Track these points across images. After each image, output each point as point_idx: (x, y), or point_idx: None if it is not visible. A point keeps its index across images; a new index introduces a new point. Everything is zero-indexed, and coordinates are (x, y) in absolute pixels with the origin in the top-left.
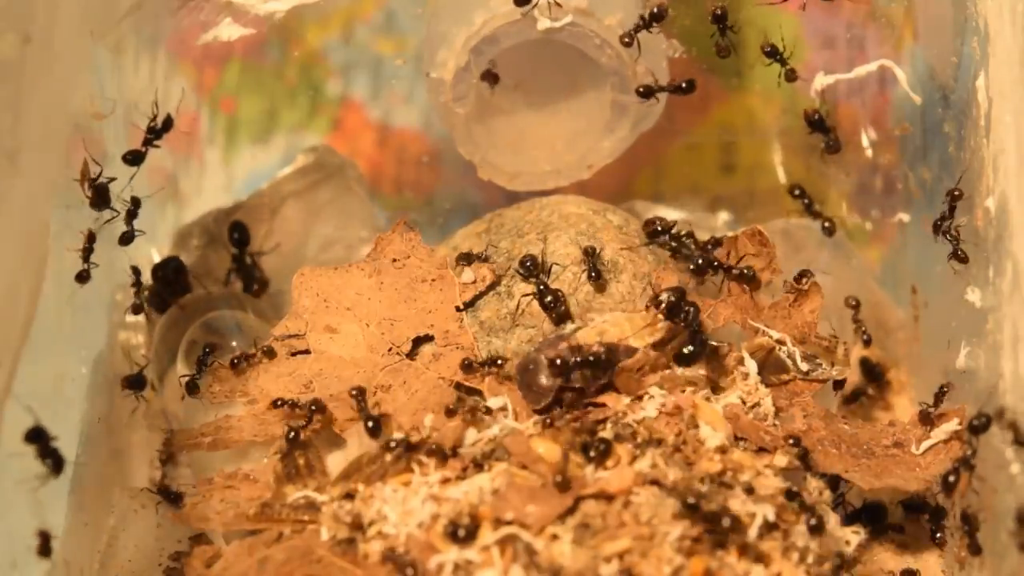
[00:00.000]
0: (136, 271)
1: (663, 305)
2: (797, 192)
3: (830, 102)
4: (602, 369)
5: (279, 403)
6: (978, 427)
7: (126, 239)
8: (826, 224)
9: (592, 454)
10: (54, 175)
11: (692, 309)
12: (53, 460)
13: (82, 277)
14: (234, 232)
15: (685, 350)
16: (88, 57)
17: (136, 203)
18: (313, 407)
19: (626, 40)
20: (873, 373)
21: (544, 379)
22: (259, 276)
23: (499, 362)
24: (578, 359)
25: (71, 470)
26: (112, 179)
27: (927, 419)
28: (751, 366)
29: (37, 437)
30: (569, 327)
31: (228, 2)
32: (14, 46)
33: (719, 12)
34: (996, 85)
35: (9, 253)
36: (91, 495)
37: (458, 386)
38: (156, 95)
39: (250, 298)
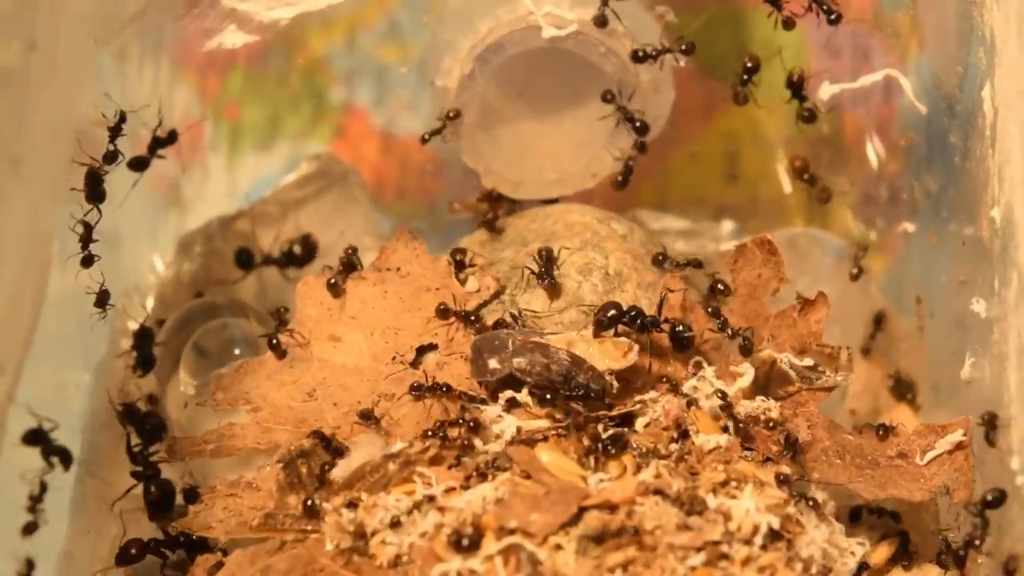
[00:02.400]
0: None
1: (605, 324)
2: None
3: (835, 111)
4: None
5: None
6: (992, 502)
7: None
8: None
9: (596, 463)
10: (58, 181)
11: (635, 313)
12: (60, 456)
13: (87, 261)
14: (240, 255)
15: (678, 335)
16: (92, 64)
17: (88, 228)
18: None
19: (598, 20)
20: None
21: (494, 363)
22: (296, 255)
23: (444, 388)
24: (577, 391)
25: (74, 475)
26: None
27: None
28: (747, 372)
29: (37, 438)
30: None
31: (232, 9)
32: (19, 54)
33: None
34: (1002, 95)
35: (12, 259)
36: (94, 502)
37: (461, 395)
38: (160, 102)
39: (253, 306)
